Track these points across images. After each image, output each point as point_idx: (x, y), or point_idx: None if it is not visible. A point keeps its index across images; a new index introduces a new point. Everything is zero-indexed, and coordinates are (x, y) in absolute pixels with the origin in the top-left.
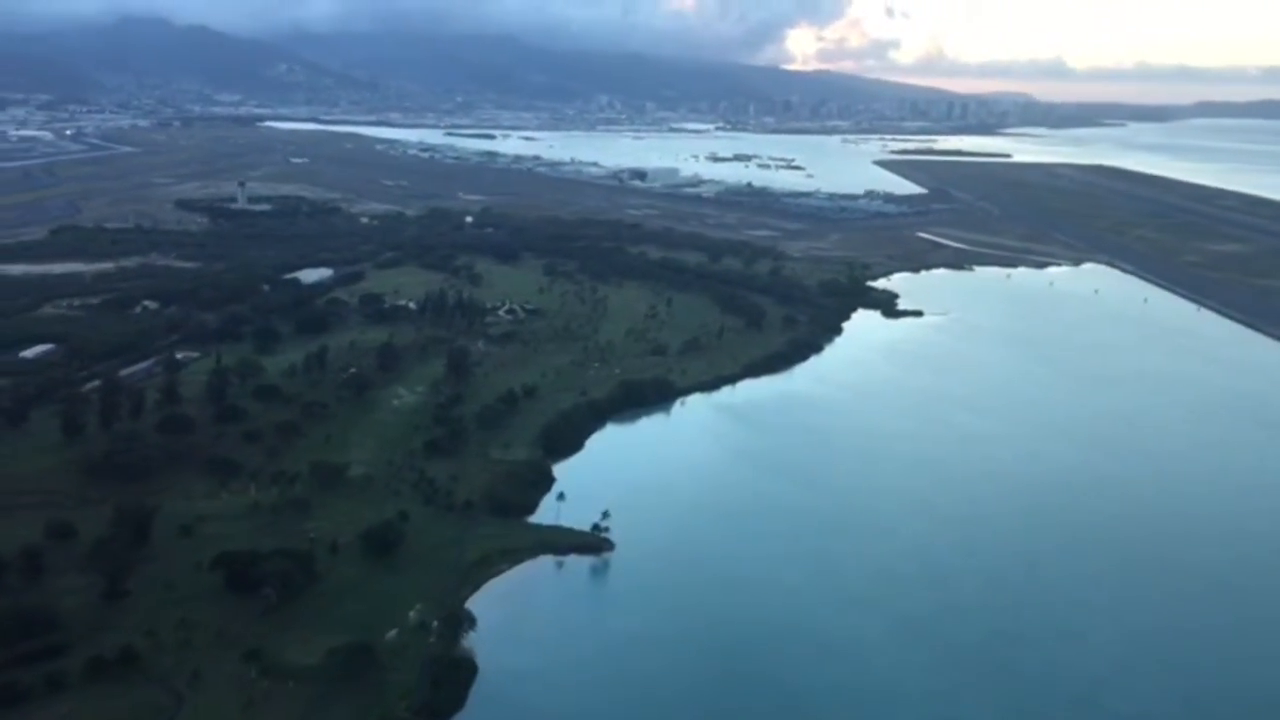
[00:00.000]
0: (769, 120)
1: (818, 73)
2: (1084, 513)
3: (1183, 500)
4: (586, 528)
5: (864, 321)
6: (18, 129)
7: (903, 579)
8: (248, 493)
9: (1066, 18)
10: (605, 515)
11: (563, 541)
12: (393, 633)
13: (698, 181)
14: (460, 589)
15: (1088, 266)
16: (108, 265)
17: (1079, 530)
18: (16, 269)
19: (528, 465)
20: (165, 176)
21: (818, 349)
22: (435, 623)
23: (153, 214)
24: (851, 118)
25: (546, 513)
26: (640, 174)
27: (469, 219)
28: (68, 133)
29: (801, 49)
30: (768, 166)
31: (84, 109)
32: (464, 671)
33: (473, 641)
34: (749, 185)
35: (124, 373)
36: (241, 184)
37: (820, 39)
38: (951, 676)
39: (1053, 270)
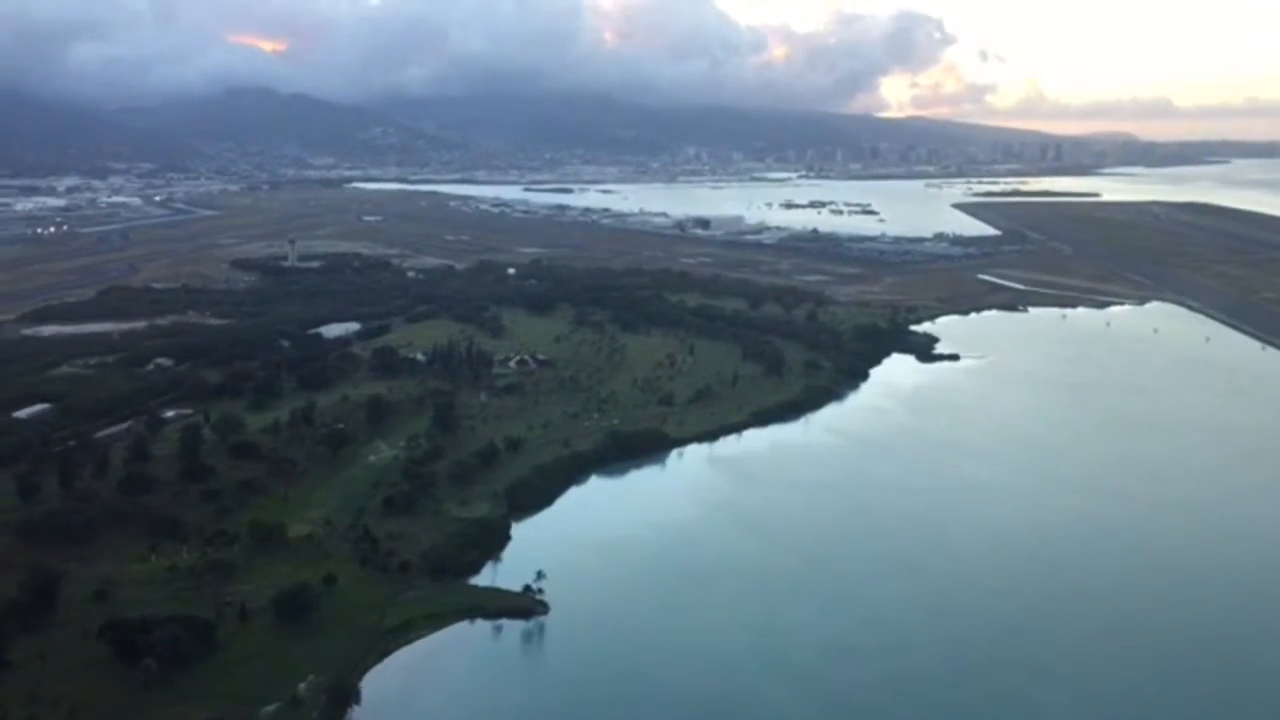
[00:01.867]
0: (855, 167)
1: (911, 119)
2: (1076, 571)
3: (1187, 558)
4: (535, 588)
5: (895, 367)
6: (111, 195)
7: (852, 650)
8: (180, 555)
9: (1172, 55)
10: (540, 576)
11: (493, 605)
12: (271, 708)
13: (761, 229)
14: (366, 657)
15: (1153, 306)
16: (139, 324)
17: (1066, 591)
18: (49, 329)
19: (480, 524)
20: (234, 237)
21: (837, 396)
22: (322, 697)
23: (207, 274)
24: (941, 162)
25: (490, 574)
26: (704, 222)
27: (511, 271)
28: (156, 198)
29: (896, 96)
30: (840, 212)
31: (182, 176)
32: None
33: (357, 716)
34: (814, 231)
35: (105, 432)
36: (292, 242)
37: (914, 85)
38: None
39: (1114, 310)
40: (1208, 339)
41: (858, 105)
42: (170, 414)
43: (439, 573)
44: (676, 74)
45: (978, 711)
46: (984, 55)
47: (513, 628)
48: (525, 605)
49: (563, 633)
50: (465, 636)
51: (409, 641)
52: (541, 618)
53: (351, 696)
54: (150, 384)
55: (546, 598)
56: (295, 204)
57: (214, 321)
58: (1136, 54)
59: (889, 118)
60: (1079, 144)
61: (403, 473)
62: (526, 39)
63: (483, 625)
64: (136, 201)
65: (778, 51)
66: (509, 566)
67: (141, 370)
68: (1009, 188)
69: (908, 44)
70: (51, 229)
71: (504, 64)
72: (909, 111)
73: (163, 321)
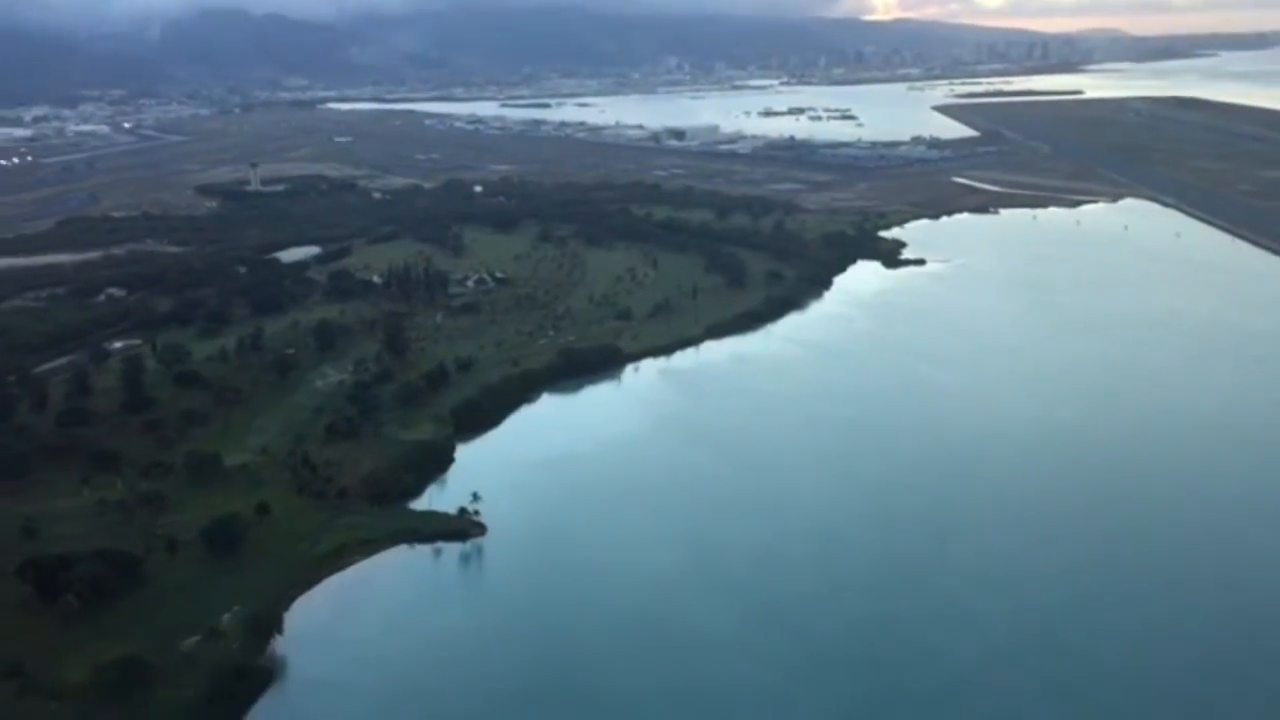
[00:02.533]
0: (839, 72)
1: (898, 21)
2: (1025, 475)
3: (1137, 459)
4: (471, 510)
5: (860, 273)
6: (79, 124)
7: (785, 561)
8: (114, 488)
9: None
10: (476, 498)
11: (428, 528)
12: (191, 641)
13: (736, 138)
14: (294, 586)
15: (1126, 202)
16: (94, 254)
17: (1011, 496)
18: (2, 262)
19: (423, 447)
20: (200, 163)
21: (799, 305)
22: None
23: (170, 201)
24: (925, 64)
25: (431, 498)
26: (679, 133)
27: (478, 189)
28: (126, 126)
29: None
30: (819, 118)
31: (153, 102)
32: (252, 684)
33: (282, 647)
34: (791, 139)
35: (47, 366)
36: (254, 165)
37: None
38: (792, 671)
39: (1086, 208)
40: (1178, 234)
41: (843, 9)
42: (118, 345)
43: (377, 498)
44: None
45: (903, 621)
46: None
47: (448, 551)
48: (461, 527)
49: (498, 554)
50: (397, 561)
51: (340, 569)
52: (478, 539)
53: (274, 626)
54: (99, 315)
55: (484, 519)
56: (267, 127)
57: (171, 249)
58: None
59: (875, 20)
60: (1067, 42)
61: (348, 397)
62: None
63: (417, 549)
64: (105, 129)
65: None
66: (451, 489)
67: (91, 301)
68: (991, 88)
69: None
70: (15, 160)
71: None
72: (895, 14)
73: (118, 251)
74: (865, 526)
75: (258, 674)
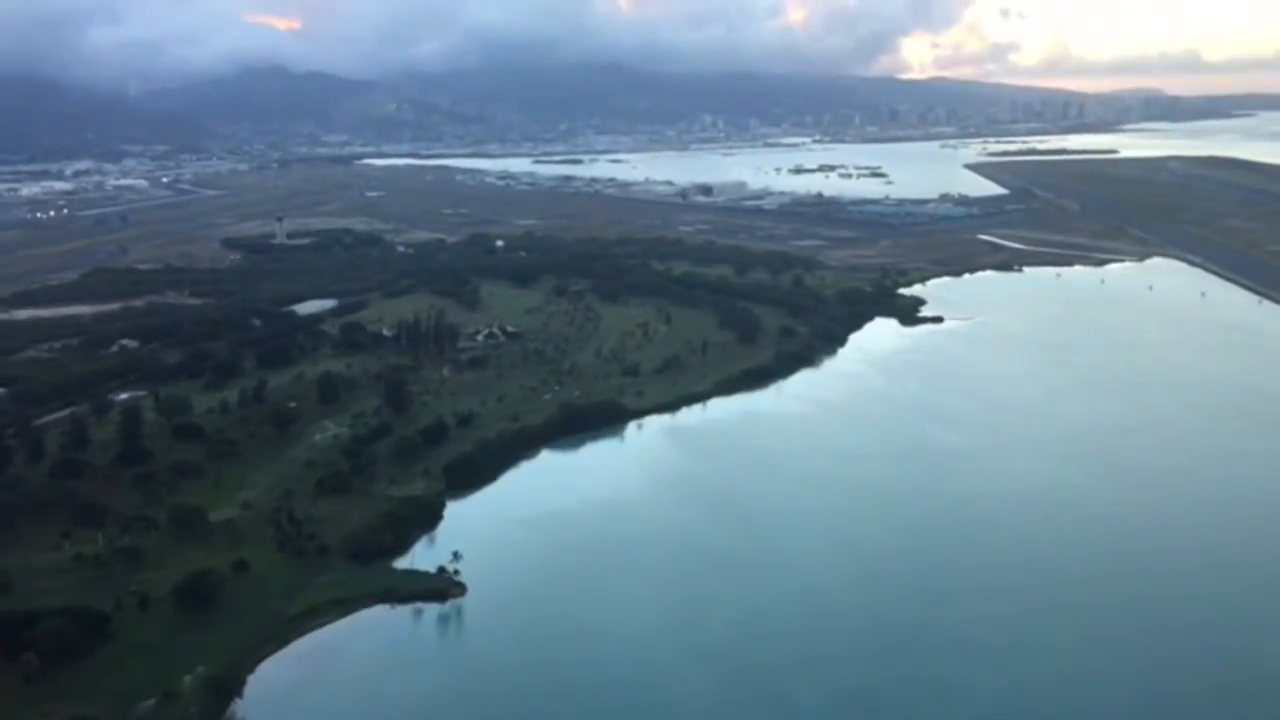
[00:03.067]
0: (872, 130)
1: (933, 80)
2: (1026, 540)
3: (1148, 528)
4: (450, 569)
5: (876, 331)
6: (118, 179)
7: (774, 627)
8: (95, 542)
9: (1200, 6)
10: (456, 557)
11: (406, 588)
12: (149, 703)
13: (763, 194)
14: (263, 647)
15: (1153, 261)
16: (113, 306)
17: (1012, 563)
18: (24, 313)
19: (411, 503)
20: (232, 217)
21: (810, 362)
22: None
23: (196, 253)
24: (960, 123)
25: (415, 556)
26: (706, 189)
27: (500, 243)
28: (164, 180)
29: (917, 57)
30: (849, 175)
31: (195, 157)
32: None
33: (242, 710)
34: (818, 195)
35: (49, 417)
36: (280, 219)
37: (936, 46)
38: None
39: (1111, 267)
40: (1203, 294)
41: (879, 68)
42: (123, 396)
43: (359, 555)
44: (693, 41)
45: (887, 692)
46: (1005, 13)
47: (425, 611)
48: (440, 587)
49: (477, 615)
50: (372, 622)
51: (313, 629)
52: (457, 600)
53: (234, 689)
54: (108, 366)
55: (464, 579)
56: (301, 181)
57: (191, 301)
58: (1163, 7)
59: (910, 79)
60: (1103, 101)
61: (343, 451)
62: (541, 8)
63: (394, 610)
64: (143, 184)
65: (796, 15)
66: (436, 547)
67: (104, 352)
68: (1025, 146)
69: (927, 3)
70: (51, 213)
71: (519, 35)
72: (931, 73)
73: (138, 303)
74: (858, 591)
75: None
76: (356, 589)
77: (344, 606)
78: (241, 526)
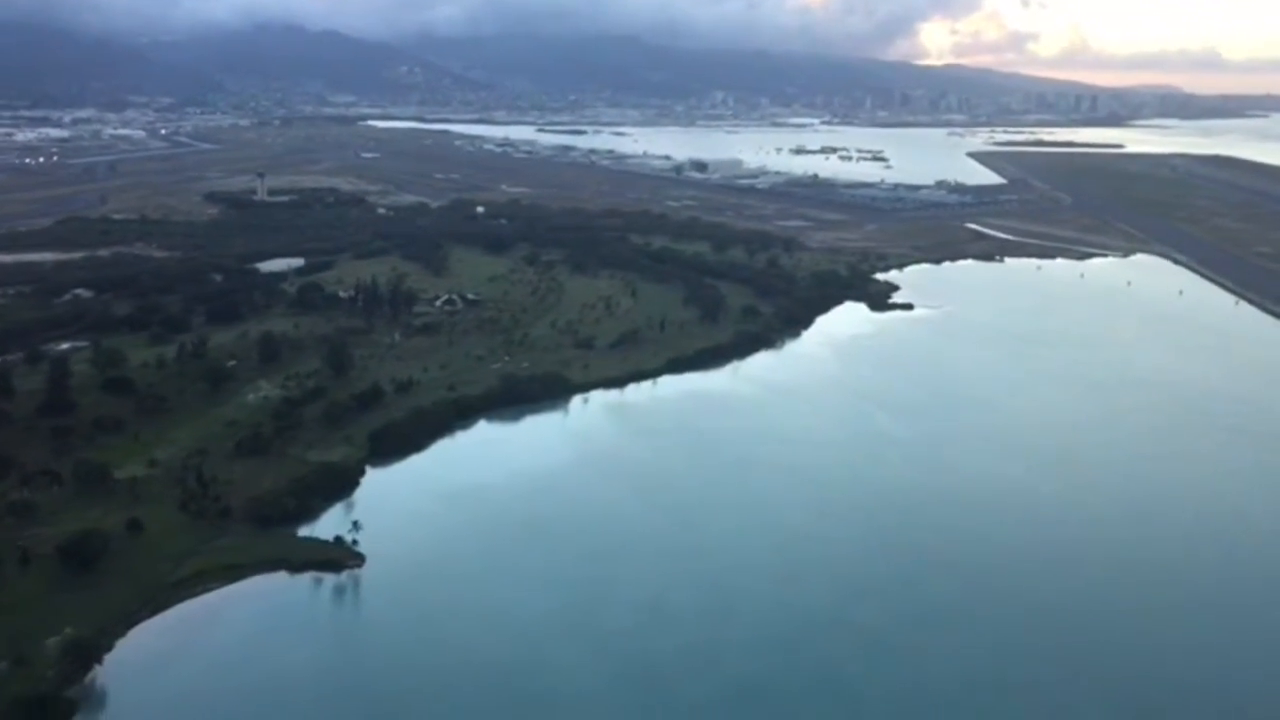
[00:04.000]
0: (883, 114)
1: (950, 67)
2: (952, 533)
3: (1080, 523)
4: (364, 539)
5: (844, 315)
6: (116, 128)
7: (671, 613)
8: None
9: (1222, 6)
10: (356, 527)
11: (301, 556)
12: (1, 665)
13: (758, 173)
14: (140, 611)
15: (1138, 258)
16: (78, 255)
17: (933, 555)
18: None
19: (327, 469)
20: (221, 172)
21: (770, 343)
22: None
23: (176, 206)
24: (972, 111)
25: (321, 524)
26: (701, 165)
27: (480, 210)
28: (162, 132)
29: (935, 44)
30: (849, 158)
31: (199, 110)
32: (53, 716)
33: (102, 677)
34: (814, 176)
35: None
36: (261, 175)
37: (955, 33)
38: None
39: (1094, 261)
40: (1181, 292)
41: (896, 52)
42: (65, 346)
43: (263, 520)
44: (712, 16)
45: (776, 684)
46: (1026, 2)
47: (316, 581)
48: (336, 557)
49: (370, 587)
50: (257, 590)
51: (195, 595)
52: (354, 570)
53: (96, 655)
54: (55, 315)
55: (364, 549)
56: (300, 140)
57: (157, 254)
58: (1185, 4)
59: (927, 65)
60: (1117, 96)
61: (272, 413)
62: None
63: (283, 578)
64: (140, 134)
65: None
66: (343, 516)
67: (56, 301)
68: (1032, 137)
69: None
70: (41, 159)
71: (537, 4)
72: (948, 59)
73: (103, 253)
74: (769, 580)
75: (61, 706)
76: (249, 555)
77: (233, 573)
78: (146, 485)
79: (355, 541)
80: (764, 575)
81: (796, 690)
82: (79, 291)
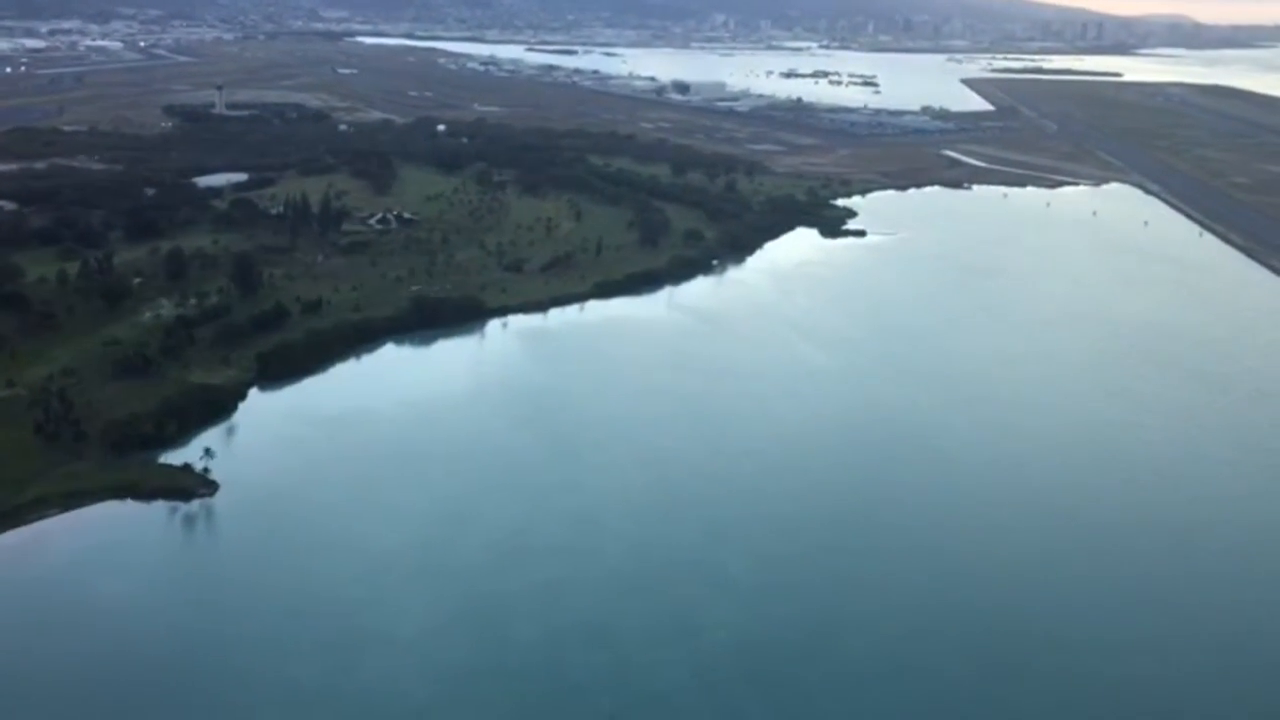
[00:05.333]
0: (884, 39)
1: None
2: (846, 469)
3: (981, 459)
4: (226, 466)
5: (792, 241)
6: (95, 39)
7: (528, 552)
8: None
9: None
10: (208, 453)
11: (150, 483)
12: None
13: (740, 96)
14: None
15: (1110, 187)
16: (12, 166)
17: (825, 493)
18: None
19: (200, 392)
20: (189, 85)
21: (707, 269)
22: None
23: (134, 119)
24: (975, 37)
25: (193, 449)
26: (684, 87)
27: (441, 128)
28: (141, 44)
29: None
30: (839, 83)
31: (185, 24)
32: None
33: None
34: (797, 100)
35: None
36: (219, 88)
37: None
38: (455, 682)
39: (1064, 190)
40: (1146, 223)
41: None
42: None
43: (122, 445)
44: None
45: (620, 626)
46: None
47: (161, 510)
48: (187, 485)
49: (219, 516)
50: (96, 518)
51: (26, 523)
52: (206, 499)
53: None
54: None
55: (220, 477)
56: (279, 54)
57: (95, 166)
58: None
59: None
60: (1125, 24)
61: (164, 332)
62: None
63: (128, 506)
64: (116, 45)
65: None
66: (212, 441)
67: None
68: (1031, 64)
69: None
70: (8, 69)
71: None
72: None
73: (39, 165)
74: (637, 518)
75: None
76: (96, 482)
77: (75, 500)
78: (5, 406)
79: (207, 470)
80: (634, 513)
81: (638, 632)
82: (1, 203)
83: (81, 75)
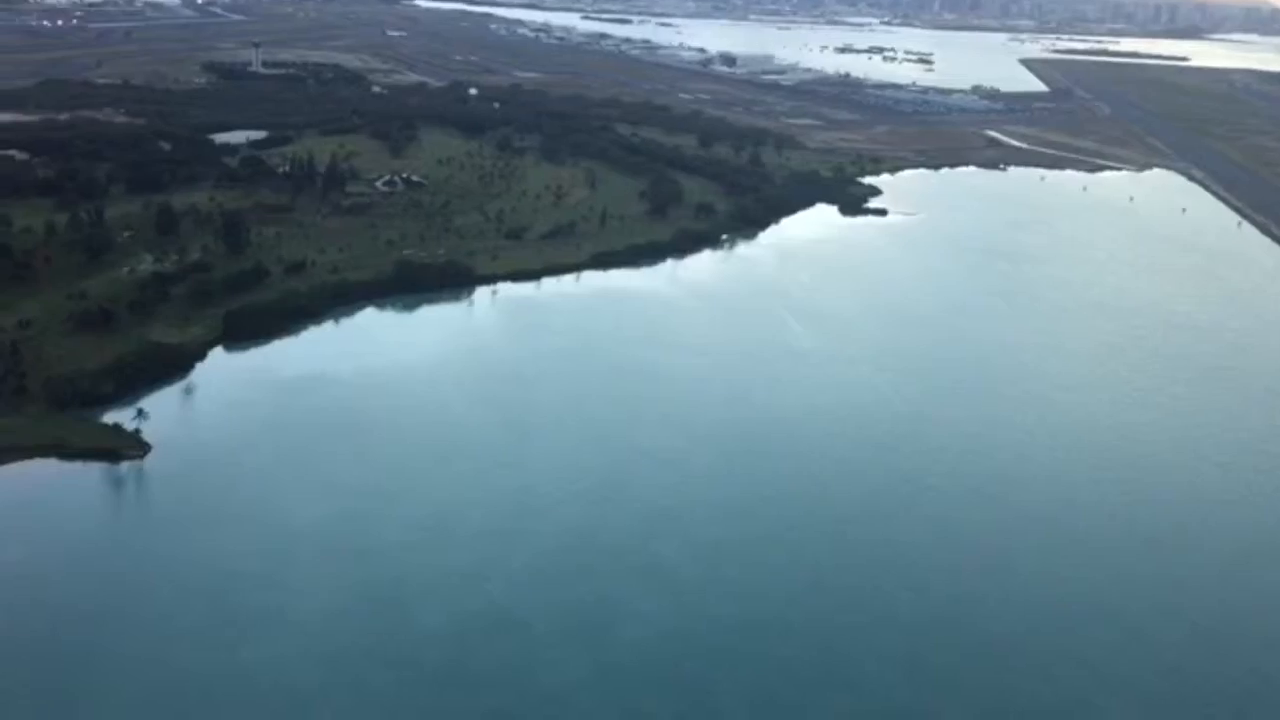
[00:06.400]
0: (950, 17)
1: None
2: (814, 462)
3: (956, 450)
4: (163, 428)
5: (810, 217)
6: None
7: (450, 531)
8: None
9: None
10: (141, 415)
11: (80, 443)
12: None
13: (787, 70)
14: None
15: (1154, 173)
16: (34, 117)
17: (782, 486)
18: None
19: (155, 350)
20: (235, 43)
21: (714, 243)
22: None
23: (171, 75)
24: (1043, 17)
25: (142, 407)
26: (730, 60)
27: (473, 92)
28: (197, 1)
29: None
30: (894, 59)
31: None
32: None
33: None
34: (845, 75)
35: None
36: (256, 45)
37: None
38: (328, 664)
39: (1105, 175)
40: (1184, 210)
41: None
42: None
43: (64, 402)
44: None
45: (531, 615)
46: None
47: (88, 471)
48: (117, 446)
49: (143, 480)
50: (13, 477)
51: None
52: (135, 461)
53: None
54: None
55: (155, 438)
56: (333, 15)
57: (118, 120)
58: None
59: None
60: (1200, 8)
61: (138, 287)
62: None
63: (52, 465)
64: (174, 2)
65: None
66: (159, 401)
67: None
68: (1096, 46)
69: None
70: (60, 22)
71: None
72: None
73: (62, 116)
74: (574, 502)
75: None
76: (25, 438)
77: (3, 456)
78: None
79: (139, 431)
80: (573, 498)
81: (550, 624)
82: (12, 153)
83: (131, 30)
